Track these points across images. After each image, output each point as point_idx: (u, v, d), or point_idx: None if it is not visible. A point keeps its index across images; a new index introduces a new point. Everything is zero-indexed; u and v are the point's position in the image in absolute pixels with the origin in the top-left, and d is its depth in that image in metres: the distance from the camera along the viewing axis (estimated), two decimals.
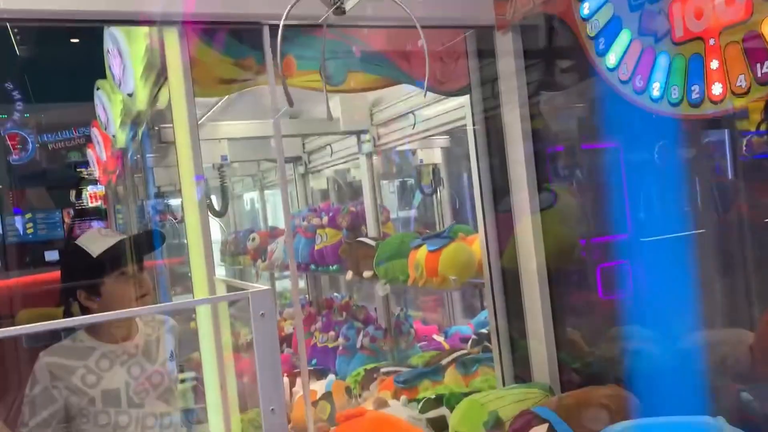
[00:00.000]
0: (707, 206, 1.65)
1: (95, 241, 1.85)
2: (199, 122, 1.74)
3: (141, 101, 2.22)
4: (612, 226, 1.76)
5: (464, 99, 2.06)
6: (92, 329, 1.84)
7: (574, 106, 1.86)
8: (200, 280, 1.63)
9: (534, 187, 1.77)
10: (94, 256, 1.81)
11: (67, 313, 1.86)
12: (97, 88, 3.01)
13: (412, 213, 4.37)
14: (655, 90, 1.39)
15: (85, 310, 1.84)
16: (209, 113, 2.74)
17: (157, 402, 1.85)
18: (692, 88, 1.31)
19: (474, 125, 1.93)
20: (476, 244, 2.08)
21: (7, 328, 0.99)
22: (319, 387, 2.28)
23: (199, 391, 2.34)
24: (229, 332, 1.75)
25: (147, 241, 2.08)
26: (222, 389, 1.64)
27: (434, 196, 3.69)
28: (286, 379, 2.51)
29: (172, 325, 2.01)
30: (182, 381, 3.20)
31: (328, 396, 2.19)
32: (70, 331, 1.90)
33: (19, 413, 1.75)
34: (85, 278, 1.82)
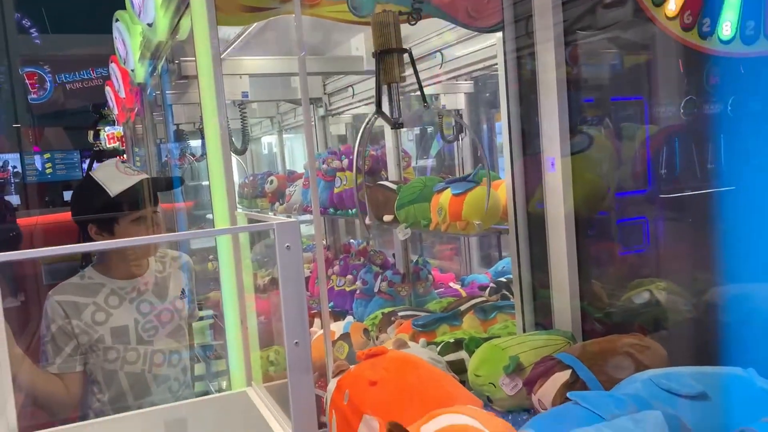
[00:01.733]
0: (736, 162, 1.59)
1: (113, 178, 1.80)
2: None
3: (161, 31, 2.15)
4: (638, 180, 1.71)
5: (495, 40, 1.97)
6: (101, 266, 1.83)
7: (612, 50, 1.78)
8: (222, 213, 1.61)
9: (566, 130, 1.70)
10: (112, 195, 1.77)
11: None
12: (116, 20, 2.94)
13: (430, 162, 4.32)
14: (705, 26, 1.31)
15: (71, 236, 1.83)
16: (229, 49, 2.67)
17: (166, 339, 1.85)
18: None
19: (506, 64, 1.85)
20: (501, 189, 2.03)
21: (26, 251, 0.97)
22: (336, 328, 2.27)
23: (217, 327, 2.35)
24: (251, 268, 1.73)
25: (165, 184, 2.04)
26: (242, 324, 1.63)
27: (455, 144, 3.63)
28: None
29: (185, 262, 2.00)
30: (201, 318, 3.24)
31: (345, 337, 2.19)
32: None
33: (37, 352, 1.76)
34: (98, 212, 1.79)
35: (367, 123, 1.46)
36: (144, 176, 1.85)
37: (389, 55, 1.45)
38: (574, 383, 1.44)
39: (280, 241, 1.06)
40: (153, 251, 1.86)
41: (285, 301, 1.07)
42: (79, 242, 1.88)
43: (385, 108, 1.52)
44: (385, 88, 1.50)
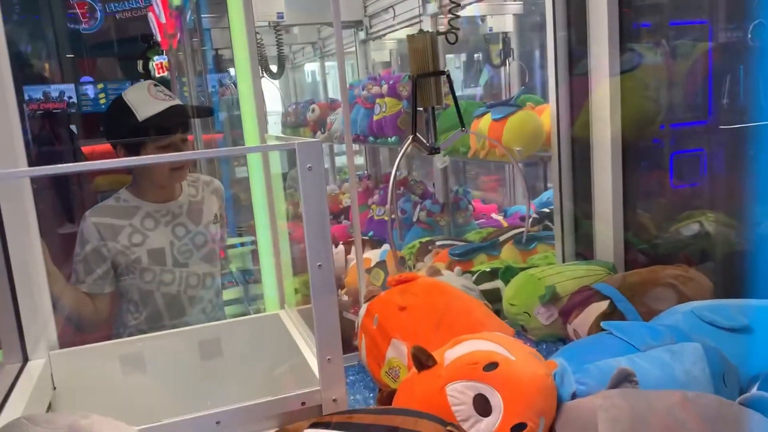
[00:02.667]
0: None
1: (144, 101, 1.76)
2: None
3: None
4: (698, 111, 1.60)
5: None
6: (135, 188, 1.83)
7: None
8: (252, 137, 1.58)
9: (616, 46, 1.58)
10: (140, 119, 1.74)
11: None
12: None
13: (479, 91, 4.18)
14: None
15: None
16: None
17: (200, 262, 1.87)
18: None
19: None
20: (545, 115, 1.93)
21: (73, 164, 0.96)
22: (373, 255, 2.26)
23: (256, 253, 2.36)
24: (283, 195, 1.72)
25: (197, 112, 2.01)
26: (274, 248, 1.63)
27: (503, 69, 3.48)
28: (341, 247, 2.52)
29: (216, 187, 1.99)
30: (241, 244, 3.30)
31: (381, 264, 2.17)
32: None
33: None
34: (125, 136, 1.77)
35: (404, 149, 1.37)
36: (176, 102, 1.81)
37: (426, 79, 1.35)
38: (612, 314, 1.39)
39: (302, 162, 1.03)
40: (183, 177, 1.85)
41: (307, 223, 1.04)
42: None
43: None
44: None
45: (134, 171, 1.85)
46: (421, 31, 1.35)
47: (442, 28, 2.80)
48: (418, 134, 1.36)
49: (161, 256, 1.80)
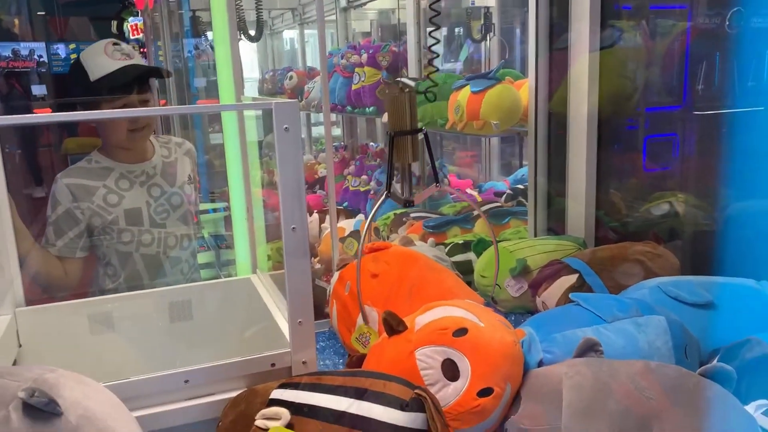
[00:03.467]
0: None
1: (98, 62, 1.71)
2: None
3: None
4: (673, 96, 1.61)
5: None
6: (107, 149, 1.79)
7: None
8: (228, 99, 1.56)
9: (597, 23, 1.58)
10: (92, 79, 1.70)
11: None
12: None
13: (458, 66, 4.16)
14: None
15: (93, 127, 1.79)
16: None
17: (177, 223, 1.85)
18: None
19: None
20: (524, 89, 1.94)
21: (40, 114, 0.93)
22: (347, 225, 2.26)
23: (229, 220, 2.35)
24: (258, 162, 1.70)
25: (151, 72, 1.95)
26: (248, 212, 1.62)
27: (483, 44, 3.47)
28: (316, 216, 2.50)
29: (188, 149, 1.96)
30: (214, 210, 3.27)
31: (355, 234, 2.17)
32: None
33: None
34: (84, 96, 1.73)
35: (379, 203, 1.33)
36: (132, 62, 1.75)
37: (403, 138, 1.31)
38: (580, 287, 1.42)
39: (279, 123, 1.01)
40: (145, 137, 1.81)
41: (282, 185, 1.03)
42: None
43: None
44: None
45: (100, 133, 1.81)
46: (400, 88, 1.30)
47: (424, 0, 2.78)
48: (394, 186, 1.33)
49: (138, 217, 1.77)
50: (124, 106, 1.71)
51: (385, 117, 2.61)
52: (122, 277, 1.79)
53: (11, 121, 0.99)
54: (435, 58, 1.69)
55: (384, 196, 1.32)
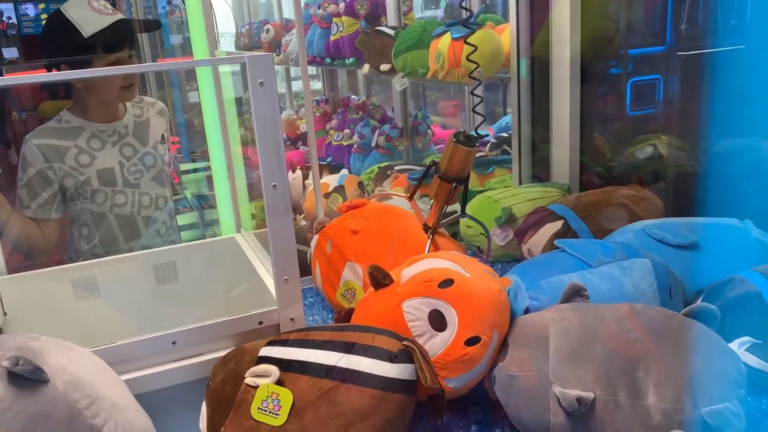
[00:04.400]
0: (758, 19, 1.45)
1: (87, 17, 1.65)
2: None
3: None
4: (656, 37, 1.58)
5: None
6: (78, 108, 1.75)
7: None
8: (203, 54, 1.51)
9: None
10: (86, 36, 1.64)
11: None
12: None
13: (439, 13, 4.07)
14: None
15: (68, 87, 1.73)
16: None
17: (151, 183, 1.82)
18: None
19: None
20: (505, 35, 1.89)
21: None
22: (331, 180, 2.24)
23: (211, 179, 2.32)
24: (237, 120, 1.67)
25: (144, 25, 1.90)
26: (229, 171, 1.60)
27: None
28: (299, 173, 2.48)
29: (161, 108, 1.92)
30: (195, 170, 3.23)
31: (340, 189, 2.16)
32: None
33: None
34: (69, 55, 1.66)
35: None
36: (120, 16, 1.70)
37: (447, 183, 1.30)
38: (565, 233, 1.42)
39: (253, 77, 0.98)
40: (133, 95, 1.77)
41: (260, 142, 1.01)
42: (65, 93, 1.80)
43: None
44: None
45: (77, 91, 1.75)
46: (467, 137, 1.29)
47: None
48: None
49: (111, 177, 1.74)
50: (116, 62, 1.67)
51: (366, 68, 2.56)
52: (97, 238, 1.77)
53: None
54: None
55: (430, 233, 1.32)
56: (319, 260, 1.38)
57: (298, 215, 2.19)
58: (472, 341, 0.93)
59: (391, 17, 2.71)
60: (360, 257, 1.28)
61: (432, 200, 1.36)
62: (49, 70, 1.74)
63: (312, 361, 0.89)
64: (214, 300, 1.41)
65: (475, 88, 1.72)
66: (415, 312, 0.95)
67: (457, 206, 1.42)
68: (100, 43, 1.65)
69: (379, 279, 1.02)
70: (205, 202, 2.81)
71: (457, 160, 1.29)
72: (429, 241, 1.30)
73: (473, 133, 1.37)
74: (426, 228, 1.34)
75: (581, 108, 1.73)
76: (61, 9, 1.66)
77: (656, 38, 1.61)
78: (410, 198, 1.48)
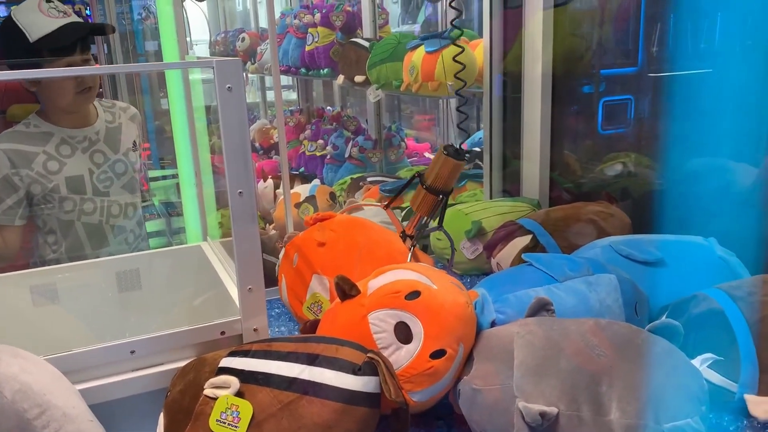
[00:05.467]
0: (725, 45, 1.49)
1: (35, 20, 1.60)
2: None
3: None
4: (628, 58, 1.61)
5: None
6: (46, 113, 1.70)
7: None
8: (173, 58, 1.49)
9: None
10: (31, 40, 1.59)
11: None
12: None
13: (416, 29, 4.10)
14: None
15: (30, 94, 1.69)
16: None
17: (121, 191, 1.78)
18: None
19: None
20: (479, 50, 1.91)
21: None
22: (302, 190, 2.22)
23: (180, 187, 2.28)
24: (206, 128, 1.64)
25: (94, 29, 1.85)
26: (197, 178, 1.57)
27: (439, 4, 3.42)
28: (270, 181, 2.46)
29: (133, 114, 1.88)
30: (164, 177, 3.19)
31: (311, 199, 2.14)
32: None
33: None
34: (21, 58, 1.62)
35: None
36: (72, 19, 1.66)
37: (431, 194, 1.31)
38: (534, 248, 1.42)
39: (221, 82, 0.97)
40: (91, 98, 1.72)
41: (227, 148, 0.99)
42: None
43: None
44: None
45: (40, 96, 1.71)
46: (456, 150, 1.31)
47: None
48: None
49: (80, 185, 1.70)
50: (67, 66, 1.62)
51: (341, 79, 2.55)
52: (64, 246, 1.73)
53: None
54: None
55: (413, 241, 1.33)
56: (286, 273, 1.36)
57: (267, 225, 2.17)
58: (438, 354, 0.92)
59: (367, 29, 2.72)
60: (327, 269, 1.26)
61: (415, 211, 1.35)
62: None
63: (274, 373, 0.88)
64: (176, 309, 1.38)
65: (461, 105, 1.72)
66: (380, 324, 0.94)
67: None
68: (47, 47, 1.60)
69: (346, 290, 1.00)
70: (172, 210, 2.77)
71: (445, 173, 1.29)
72: (411, 251, 1.31)
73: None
74: (404, 236, 1.33)
75: (553, 125, 1.74)
76: (11, 13, 1.62)
77: (628, 59, 1.64)
78: (386, 207, 1.48)
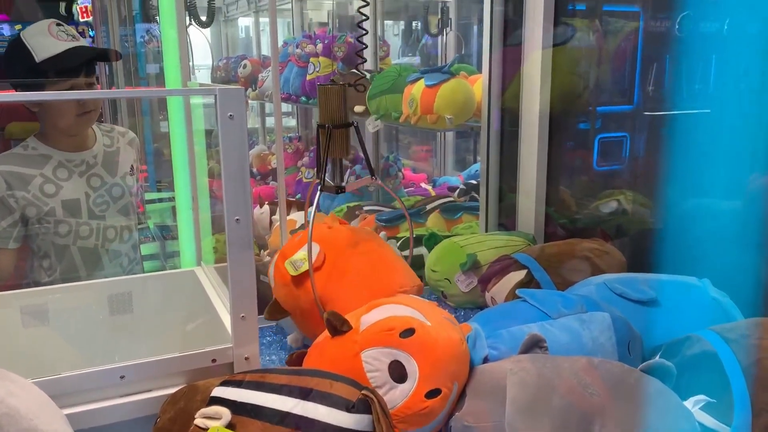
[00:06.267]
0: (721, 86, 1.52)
1: (43, 42, 1.63)
2: None
3: None
4: (625, 96, 1.64)
5: None
6: (45, 136, 1.71)
7: None
8: (174, 85, 1.50)
9: (550, 20, 1.59)
10: (37, 61, 1.61)
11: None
12: None
13: (416, 60, 4.16)
14: None
15: (31, 114, 1.71)
16: None
17: (117, 215, 1.78)
18: None
19: None
20: (478, 85, 1.93)
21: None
22: (298, 217, 2.22)
23: (175, 210, 2.28)
24: (206, 151, 1.65)
25: (99, 54, 1.88)
26: (193, 202, 1.57)
27: (440, 38, 3.47)
28: (267, 207, 2.46)
29: (132, 138, 1.89)
30: (160, 200, 3.18)
31: (306, 226, 2.14)
32: None
33: None
34: (25, 78, 1.64)
35: (318, 196, 1.35)
36: (78, 43, 1.68)
37: (336, 130, 1.32)
38: (528, 283, 1.42)
39: (223, 110, 0.98)
40: (91, 121, 1.74)
41: (226, 175, 1.00)
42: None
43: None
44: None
45: (41, 118, 1.72)
46: (333, 81, 1.33)
47: None
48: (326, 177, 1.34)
49: (76, 208, 1.70)
50: (71, 88, 1.64)
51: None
52: (58, 270, 1.72)
53: None
54: (363, 48, 1.66)
55: (318, 189, 1.32)
56: (280, 255, 1.36)
57: (262, 251, 2.16)
58: (433, 393, 0.91)
59: (369, 60, 2.75)
60: (325, 243, 1.30)
61: (333, 157, 1.33)
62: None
63: (266, 406, 0.87)
64: (167, 334, 1.36)
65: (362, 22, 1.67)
66: (374, 362, 0.93)
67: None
68: (52, 68, 1.62)
69: (337, 326, 0.99)
70: (167, 233, 2.76)
71: (334, 103, 1.29)
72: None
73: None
74: (339, 190, 1.32)
75: (549, 160, 1.76)
76: (21, 34, 1.65)
77: (624, 97, 1.66)
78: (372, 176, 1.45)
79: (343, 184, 1.36)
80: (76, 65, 1.65)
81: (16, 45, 1.65)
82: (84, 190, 1.72)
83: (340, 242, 1.31)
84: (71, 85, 1.64)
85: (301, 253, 1.29)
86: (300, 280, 1.28)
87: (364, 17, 1.59)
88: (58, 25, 1.67)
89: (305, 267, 1.25)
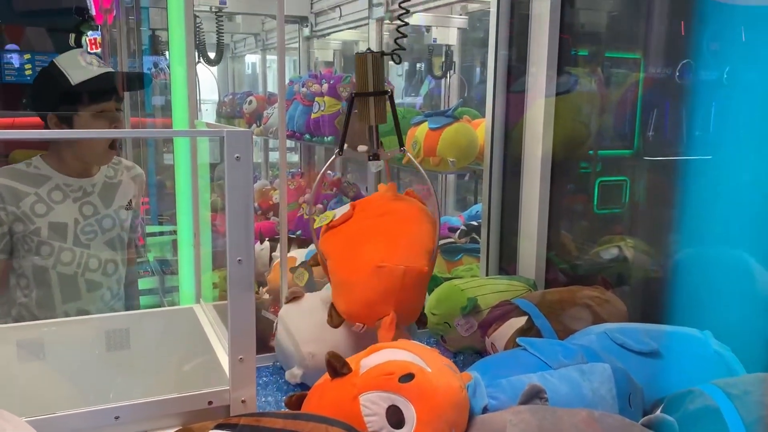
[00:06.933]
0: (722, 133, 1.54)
1: (76, 67, 1.71)
2: None
3: None
4: (625, 140, 1.66)
5: None
6: (51, 157, 1.74)
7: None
8: (181, 122, 1.52)
9: (554, 68, 1.62)
10: (73, 83, 1.68)
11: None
12: None
13: (419, 101, 4.21)
14: None
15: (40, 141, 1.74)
16: None
17: (103, 246, 1.78)
18: None
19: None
20: (481, 129, 1.95)
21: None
22: (299, 254, 2.22)
23: (176, 244, 2.28)
24: (209, 186, 1.66)
25: (132, 80, 1.94)
26: (195, 239, 1.57)
27: (444, 81, 3.52)
28: (267, 244, 2.47)
29: (137, 174, 1.91)
30: (161, 233, 3.19)
31: (307, 264, 2.13)
32: None
33: None
34: (56, 102, 1.69)
35: (331, 159, 1.43)
36: (109, 69, 1.75)
37: (367, 99, 1.37)
38: (529, 330, 1.41)
39: (230, 151, 0.99)
40: (109, 157, 1.77)
41: (230, 215, 1.00)
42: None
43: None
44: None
45: (63, 142, 1.75)
46: (369, 50, 1.37)
47: (387, 35, 2.80)
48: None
49: (63, 232, 1.70)
50: (102, 112, 1.69)
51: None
52: (35, 292, 1.72)
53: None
54: (404, 14, 1.67)
55: (335, 155, 1.43)
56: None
57: (261, 288, 2.15)
58: None
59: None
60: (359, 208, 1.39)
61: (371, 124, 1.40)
62: (41, 117, 1.76)
63: None
64: (164, 373, 1.35)
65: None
66: (372, 406, 0.92)
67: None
68: (87, 91, 1.69)
69: (337, 367, 0.99)
70: (167, 268, 2.76)
71: (364, 71, 1.33)
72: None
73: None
74: (373, 157, 1.43)
75: (550, 204, 1.77)
76: (54, 60, 1.72)
77: (624, 142, 1.68)
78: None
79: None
80: (110, 87, 1.71)
81: (50, 70, 1.72)
82: (74, 216, 1.73)
83: (373, 206, 1.40)
84: (103, 108, 1.70)
85: (330, 212, 1.44)
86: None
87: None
88: (89, 53, 1.74)
89: (326, 222, 1.40)
